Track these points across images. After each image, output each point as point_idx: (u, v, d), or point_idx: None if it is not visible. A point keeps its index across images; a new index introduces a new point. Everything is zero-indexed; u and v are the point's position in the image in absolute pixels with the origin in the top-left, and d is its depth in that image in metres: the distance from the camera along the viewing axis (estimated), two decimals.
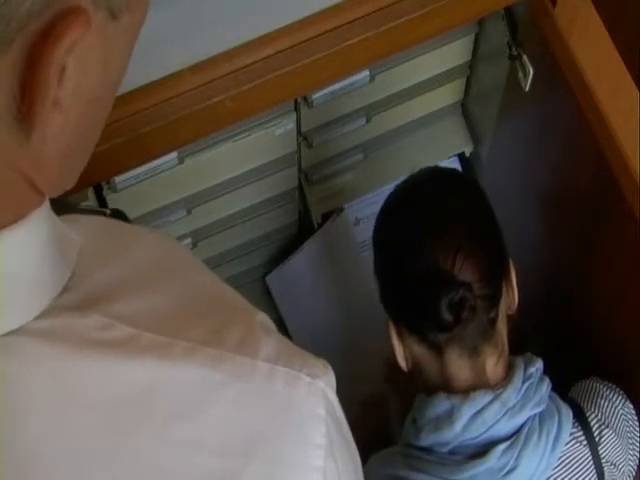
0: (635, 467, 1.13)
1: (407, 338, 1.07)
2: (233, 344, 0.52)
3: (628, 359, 1.21)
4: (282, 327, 1.59)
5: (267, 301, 1.63)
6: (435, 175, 1.16)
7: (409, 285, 1.04)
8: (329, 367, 0.55)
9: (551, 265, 1.37)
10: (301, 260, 1.56)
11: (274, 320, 0.56)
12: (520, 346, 1.12)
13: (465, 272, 1.01)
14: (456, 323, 1.00)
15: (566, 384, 1.17)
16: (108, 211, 0.84)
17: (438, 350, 1.04)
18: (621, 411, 1.11)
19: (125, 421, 0.48)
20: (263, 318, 0.55)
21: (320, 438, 0.52)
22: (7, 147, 0.42)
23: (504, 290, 1.07)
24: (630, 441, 1.12)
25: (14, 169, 0.43)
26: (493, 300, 1.04)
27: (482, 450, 1.03)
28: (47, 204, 0.48)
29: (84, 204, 1.08)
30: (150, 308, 0.51)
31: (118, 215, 0.86)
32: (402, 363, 1.09)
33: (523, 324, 1.41)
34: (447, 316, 1.00)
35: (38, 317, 0.47)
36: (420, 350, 1.06)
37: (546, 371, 1.09)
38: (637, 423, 1.13)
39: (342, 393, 0.56)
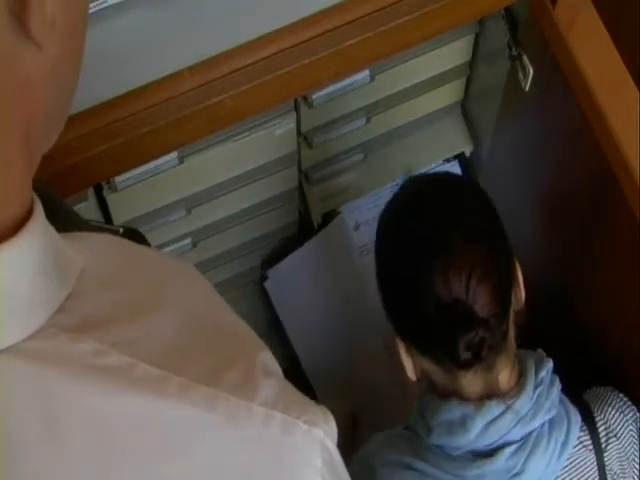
0: None
1: (417, 356, 1.04)
2: (230, 384, 0.49)
3: (628, 360, 1.20)
4: (279, 326, 1.59)
5: (267, 301, 1.62)
6: (433, 185, 1.11)
7: (422, 316, 1.00)
8: (329, 414, 0.53)
9: (551, 265, 1.37)
10: (298, 260, 1.55)
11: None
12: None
13: (479, 296, 0.98)
14: (475, 361, 0.98)
15: (566, 383, 1.17)
16: (121, 230, 0.81)
17: (452, 371, 1.02)
18: (630, 427, 1.10)
19: (110, 455, 0.47)
20: (266, 357, 0.53)
21: None
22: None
23: (512, 295, 1.04)
24: (635, 460, 1.10)
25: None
26: (505, 314, 1.01)
27: (492, 452, 1.02)
28: (44, 221, 0.47)
29: (99, 223, 1.05)
30: (149, 337, 0.49)
31: (132, 234, 0.82)
32: (412, 376, 1.06)
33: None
34: (466, 355, 0.97)
35: (32, 337, 0.46)
36: (432, 367, 1.03)
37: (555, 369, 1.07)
38: None
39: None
